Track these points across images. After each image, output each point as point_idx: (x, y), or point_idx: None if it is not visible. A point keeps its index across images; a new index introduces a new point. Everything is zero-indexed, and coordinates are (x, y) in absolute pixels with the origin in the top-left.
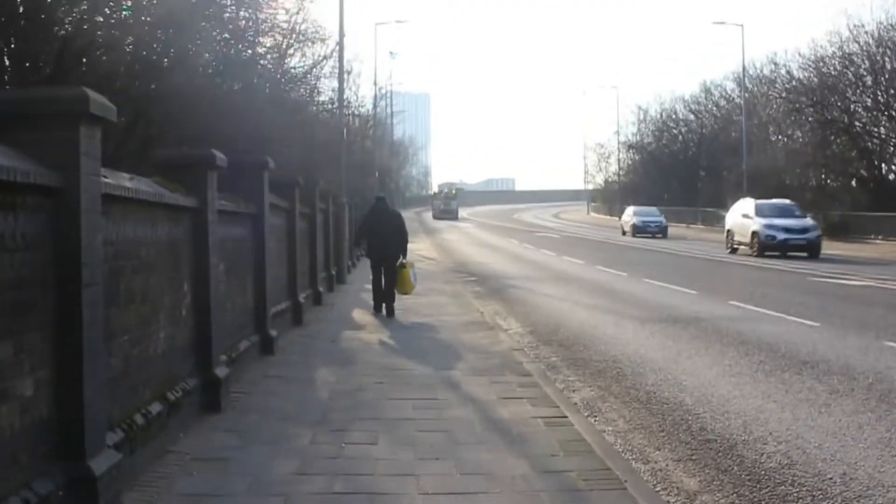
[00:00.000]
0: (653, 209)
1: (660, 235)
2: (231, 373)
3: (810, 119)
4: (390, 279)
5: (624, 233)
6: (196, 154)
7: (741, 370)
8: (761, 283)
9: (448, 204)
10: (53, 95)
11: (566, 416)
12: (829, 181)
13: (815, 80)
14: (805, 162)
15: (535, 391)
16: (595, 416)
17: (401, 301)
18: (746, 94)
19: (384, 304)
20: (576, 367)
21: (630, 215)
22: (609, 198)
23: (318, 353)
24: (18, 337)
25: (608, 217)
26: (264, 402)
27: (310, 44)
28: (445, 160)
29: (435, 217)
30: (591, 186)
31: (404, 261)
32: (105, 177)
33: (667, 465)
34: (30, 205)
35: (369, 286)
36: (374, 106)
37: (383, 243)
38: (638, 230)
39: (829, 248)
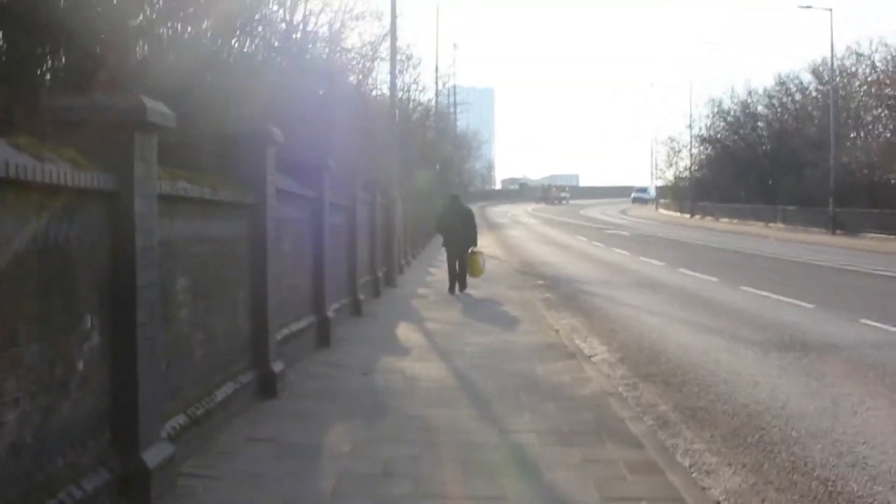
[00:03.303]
0: None
1: None
2: (187, 444)
3: None
4: (463, 265)
5: None
6: (110, 104)
7: None
8: (883, 294)
9: (547, 192)
10: None
11: None
12: None
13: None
14: None
15: (657, 481)
16: None
17: (461, 314)
18: (827, 87)
19: (458, 285)
20: (698, 424)
21: None
22: (679, 194)
23: (340, 396)
24: None
25: (678, 214)
26: (229, 500)
27: (363, 21)
28: (509, 155)
29: (538, 201)
30: (659, 182)
31: (475, 249)
32: None
33: None
34: None
35: (422, 290)
36: (437, 94)
37: (457, 234)
38: None
39: None
